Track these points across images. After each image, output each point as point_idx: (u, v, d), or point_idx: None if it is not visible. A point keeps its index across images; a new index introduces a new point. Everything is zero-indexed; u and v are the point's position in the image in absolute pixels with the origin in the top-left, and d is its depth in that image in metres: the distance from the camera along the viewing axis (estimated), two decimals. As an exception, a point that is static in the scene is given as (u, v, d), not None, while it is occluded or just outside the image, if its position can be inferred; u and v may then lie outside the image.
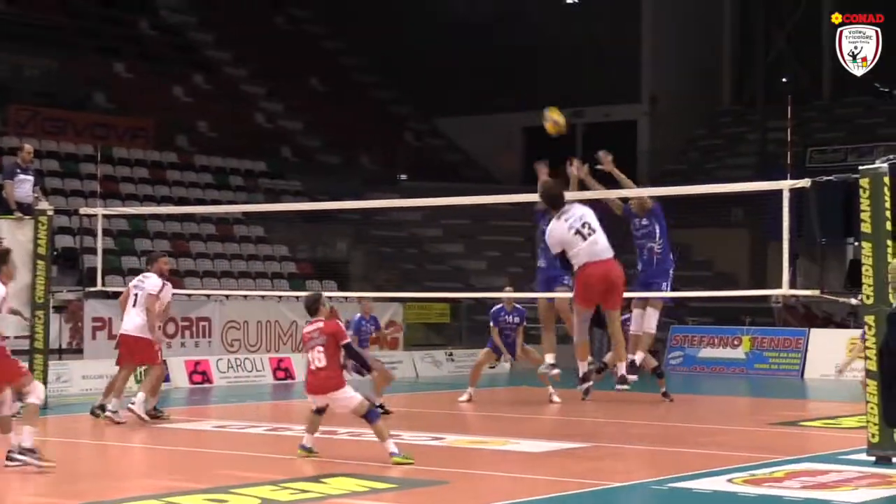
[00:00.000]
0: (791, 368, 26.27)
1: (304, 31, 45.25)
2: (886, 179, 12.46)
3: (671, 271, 15.67)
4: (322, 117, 39.67)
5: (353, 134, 39.49)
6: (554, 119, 13.22)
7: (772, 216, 19.02)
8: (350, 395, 12.20)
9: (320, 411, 12.42)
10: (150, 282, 15.67)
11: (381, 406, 15.99)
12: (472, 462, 12.66)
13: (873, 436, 12.41)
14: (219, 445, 14.18)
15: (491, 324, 18.83)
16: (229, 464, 12.49)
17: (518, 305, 19.03)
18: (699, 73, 44.00)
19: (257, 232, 31.55)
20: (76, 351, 21.98)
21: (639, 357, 15.28)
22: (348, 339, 12.43)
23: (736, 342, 27.31)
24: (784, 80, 42.38)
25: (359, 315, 17.11)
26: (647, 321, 15.69)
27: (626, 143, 43.11)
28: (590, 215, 12.57)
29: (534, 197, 13.41)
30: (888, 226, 12.42)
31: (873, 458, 12.32)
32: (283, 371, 23.62)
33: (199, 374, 22.56)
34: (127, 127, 32.76)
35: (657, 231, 15.58)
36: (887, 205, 12.41)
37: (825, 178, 13.31)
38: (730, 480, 11.19)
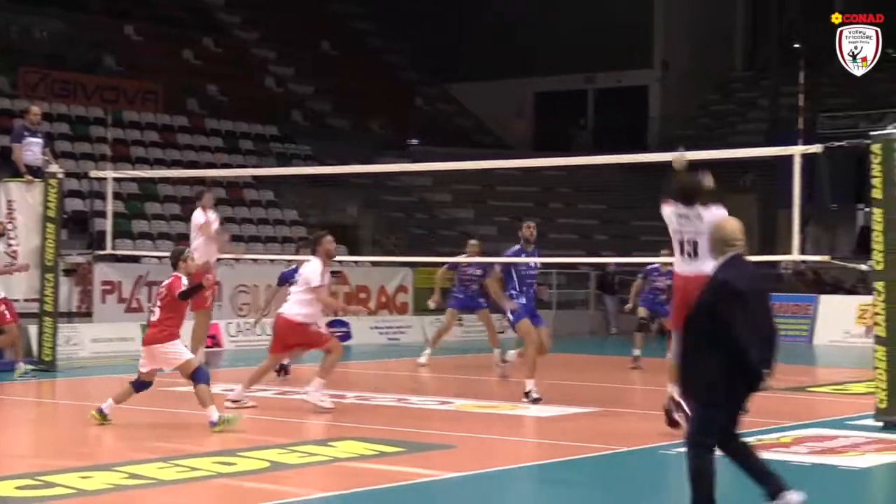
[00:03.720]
0: (800, 335, 26.24)
1: (315, -6, 45.10)
2: (898, 145, 12.42)
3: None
4: (332, 81, 39.58)
5: (363, 98, 39.42)
6: None
7: (783, 182, 18.96)
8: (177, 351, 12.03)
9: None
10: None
11: None
12: (481, 426, 12.66)
13: (881, 401, 12.44)
14: (227, 408, 14.17)
15: None
16: (238, 426, 12.49)
17: None
18: (711, 39, 43.78)
19: (268, 196, 31.53)
20: (86, 314, 21.99)
21: None
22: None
23: (745, 308, 27.24)
24: (796, 45, 42.19)
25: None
26: None
27: (638, 108, 43.09)
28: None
29: (543, 161, 13.07)
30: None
31: (881, 424, 12.34)
32: (292, 335, 23.54)
33: (209, 337, 22.58)
34: (137, 90, 32.73)
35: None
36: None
37: (836, 143, 13.30)
38: (737, 446, 11.18)
